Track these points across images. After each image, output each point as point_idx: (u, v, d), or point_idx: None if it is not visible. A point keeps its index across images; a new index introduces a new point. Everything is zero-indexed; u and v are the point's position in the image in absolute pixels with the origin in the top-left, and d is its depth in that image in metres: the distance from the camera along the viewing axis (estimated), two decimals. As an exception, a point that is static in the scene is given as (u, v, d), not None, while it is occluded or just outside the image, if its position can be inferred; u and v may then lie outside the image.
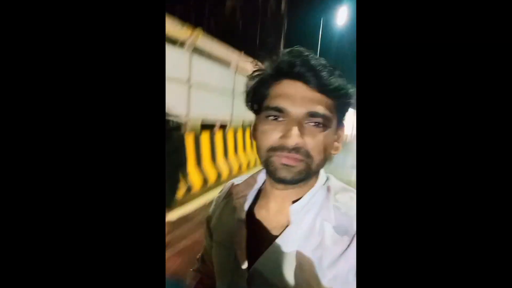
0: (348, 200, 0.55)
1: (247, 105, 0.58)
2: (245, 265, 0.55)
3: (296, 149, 0.49)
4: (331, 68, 0.51)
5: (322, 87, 0.50)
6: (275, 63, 0.53)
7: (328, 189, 0.57)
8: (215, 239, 0.64)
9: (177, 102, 4.78)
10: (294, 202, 0.55)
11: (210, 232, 0.68)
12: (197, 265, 0.77)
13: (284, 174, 0.51)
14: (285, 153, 0.50)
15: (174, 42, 4.69)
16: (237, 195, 0.63)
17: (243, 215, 0.59)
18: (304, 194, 0.55)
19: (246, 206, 0.60)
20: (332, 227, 0.52)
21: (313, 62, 0.50)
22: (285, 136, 0.49)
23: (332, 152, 0.55)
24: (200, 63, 5.43)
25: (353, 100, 0.53)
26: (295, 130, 0.48)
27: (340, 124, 0.55)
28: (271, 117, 0.51)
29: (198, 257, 0.78)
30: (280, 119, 0.51)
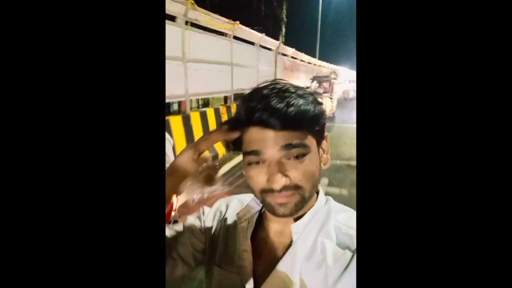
0: (348, 220, 0.55)
1: (228, 151, 0.58)
2: None
3: (285, 188, 0.50)
4: (292, 95, 0.50)
5: (287, 125, 0.49)
6: (238, 110, 0.54)
7: (329, 209, 0.58)
8: (217, 263, 0.64)
9: (174, 80, 4.72)
10: (295, 220, 0.56)
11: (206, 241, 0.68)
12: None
13: (282, 211, 0.52)
14: (276, 194, 0.51)
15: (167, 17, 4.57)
16: (240, 220, 0.63)
17: (248, 244, 0.60)
18: (304, 213, 0.57)
19: (249, 233, 0.61)
20: (334, 245, 0.53)
21: (273, 102, 0.49)
22: (269, 180, 0.50)
23: (323, 167, 0.56)
24: (194, 37, 5.28)
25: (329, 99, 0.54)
26: (277, 175, 0.49)
27: (321, 140, 0.55)
28: (253, 164, 0.52)
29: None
30: (260, 163, 0.52)
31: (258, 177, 0.52)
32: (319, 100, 0.55)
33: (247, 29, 7.24)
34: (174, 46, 4.75)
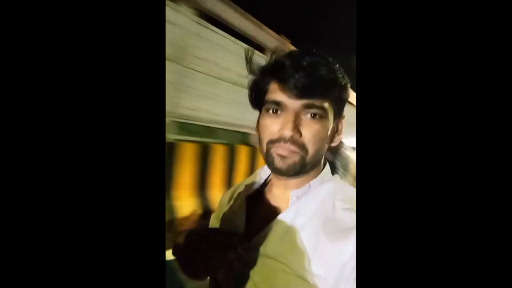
0: (353, 196, 0.55)
1: (250, 102, 0.60)
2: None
3: (292, 140, 0.52)
4: (324, 64, 0.53)
5: (312, 87, 0.51)
6: (272, 61, 0.56)
7: (333, 186, 0.58)
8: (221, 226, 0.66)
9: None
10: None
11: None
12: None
13: (279, 164, 0.53)
14: (281, 144, 0.52)
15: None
16: (246, 192, 0.66)
17: (242, 203, 0.62)
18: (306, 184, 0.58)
19: (246, 194, 0.63)
20: (331, 221, 0.52)
21: (305, 63, 0.51)
22: (282, 127, 0.52)
23: (332, 144, 0.58)
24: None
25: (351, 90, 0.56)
26: (291, 122, 0.51)
27: (338, 116, 0.57)
28: (271, 111, 0.54)
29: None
30: (279, 112, 0.53)
31: (272, 126, 0.53)
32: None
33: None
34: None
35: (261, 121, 0.56)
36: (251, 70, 0.58)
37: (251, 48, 0.60)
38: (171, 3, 2.96)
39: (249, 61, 0.58)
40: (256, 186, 0.65)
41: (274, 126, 0.53)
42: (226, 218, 0.65)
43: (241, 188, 0.68)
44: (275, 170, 0.55)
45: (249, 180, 0.68)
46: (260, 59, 0.59)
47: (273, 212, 0.59)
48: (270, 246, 0.53)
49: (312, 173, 0.58)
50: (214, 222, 0.71)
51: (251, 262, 0.54)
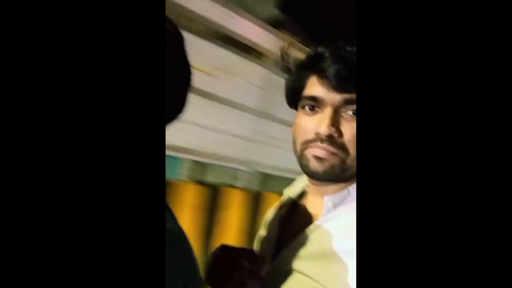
0: None
1: (287, 101, 0.55)
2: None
3: (330, 140, 0.46)
4: None
5: (352, 82, 0.45)
6: (311, 53, 0.51)
7: None
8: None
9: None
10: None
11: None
12: None
13: (315, 167, 0.47)
14: (317, 144, 0.47)
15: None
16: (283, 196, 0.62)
17: (276, 213, 0.58)
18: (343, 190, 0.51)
19: (280, 203, 0.59)
20: None
21: (345, 56, 0.47)
22: (319, 125, 0.46)
23: None
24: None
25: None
26: (329, 118, 0.45)
27: None
28: (307, 107, 0.49)
29: None
30: (316, 109, 0.48)
31: (307, 123, 0.48)
32: None
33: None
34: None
35: (296, 119, 0.51)
36: (287, 68, 0.54)
37: (290, 40, 0.57)
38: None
39: (285, 56, 0.54)
40: (295, 192, 0.59)
41: (310, 124, 0.48)
42: (264, 228, 0.61)
43: (283, 197, 0.63)
44: (310, 174, 0.49)
45: (291, 187, 0.63)
46: (298, 53, 0.54)
47: (307, 221, 0.52)
48: (300, 259, 0.48)
49: (354, 179, 0.50)
50: (260, 232, 0.66)
51: (281, 276, 0.48)
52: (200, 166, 1.96)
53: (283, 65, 0.54)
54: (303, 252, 0.48)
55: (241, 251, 0.51)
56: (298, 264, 0.48)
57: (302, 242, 0.49)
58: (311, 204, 0.54)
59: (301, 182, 0.60)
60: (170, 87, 0.40)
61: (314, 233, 0.49)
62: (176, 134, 1.64)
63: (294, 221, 0.55)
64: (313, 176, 0.49)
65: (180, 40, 0.42)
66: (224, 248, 0.53)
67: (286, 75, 0.54)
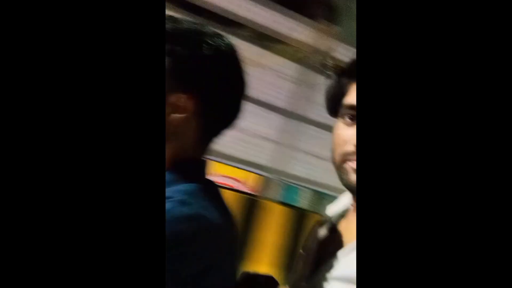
0: None
1: (327, 110, 0.53)
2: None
3: None
4: None
5: None
6: (353, 61, 0.48)
7: None
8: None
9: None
10: None
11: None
12: None
13: (354, 181, 0.45)
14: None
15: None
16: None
17: (312, 236, 0.56)
18: None
19: (319, 224, 0.56)
20: None
21: None
22: None
23: None
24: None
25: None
26: None
27: None
28: (347, 117, 0.46)
29: None
30: (355, 119, 0.45)
31: (347, 133, 0.45)
32: None
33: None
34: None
35: (336, 129, 0.49)
36: (327, 73, 0.54)
37: (331, 45, 0.53)
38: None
39: (326, 62, 0.53)
40: (337, 210, 0.57)
41: (350, 133, 0.45)
42: (304, 246, 0.59)
43: (325, 215, 0.60)
44: (349, 188, 0.47)
45: (334, 204, 0.60)
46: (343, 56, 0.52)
47: (345, 241, 0.50)
48: (333, 281, 0.46)
49: None
50: (300, 251, 0.63)
51: None
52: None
53: (324, 70, 0.53)
54: (336, 274, 0.46)
55: (262, 278, 0.51)
56: (330, 286, 0.46)
57: (337, 264, 0.47)
58: (353, 223, 0.50)
59: (346, 199, 0.57)
60: (225, 94, 0.43)
61: (350, 255, 0.46)
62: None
63: (333, 241, 0.52)
64: (352, 190, 0.47)
65: (234, 51, 0.44)
66: (245, 275, 0.52)
67: (325, 82, 0.53)
